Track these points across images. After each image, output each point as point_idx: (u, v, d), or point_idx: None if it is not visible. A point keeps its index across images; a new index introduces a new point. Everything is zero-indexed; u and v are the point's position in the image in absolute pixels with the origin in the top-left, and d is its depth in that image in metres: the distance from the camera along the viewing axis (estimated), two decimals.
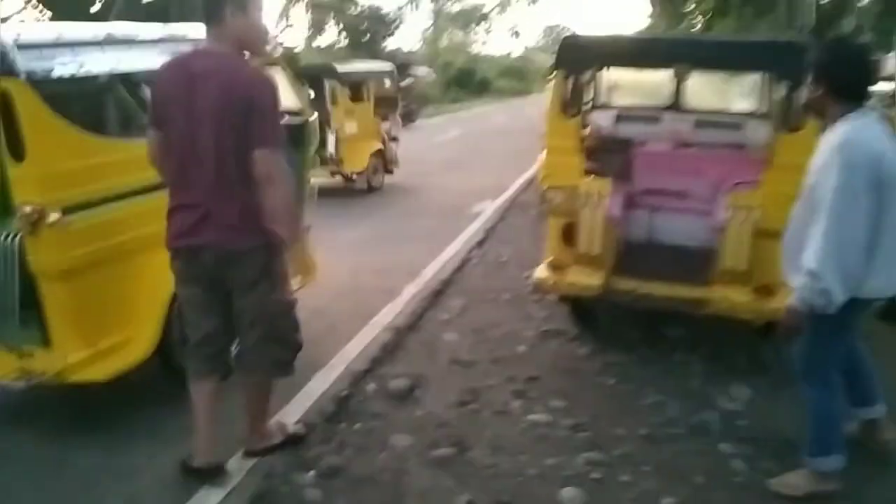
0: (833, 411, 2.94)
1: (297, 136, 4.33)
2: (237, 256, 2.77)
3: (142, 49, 3.50)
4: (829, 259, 2.58)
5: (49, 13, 21.19)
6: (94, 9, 22.43)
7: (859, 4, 26.76)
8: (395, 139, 11.10)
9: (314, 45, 40.45)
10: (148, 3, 22.42)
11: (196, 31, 4.00)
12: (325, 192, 6.35)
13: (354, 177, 10.07)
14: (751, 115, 5.25)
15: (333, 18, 41.51)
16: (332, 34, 43.48)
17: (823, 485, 2.96)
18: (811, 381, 2.95)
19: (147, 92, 3.98)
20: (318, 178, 8.49)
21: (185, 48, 3.50)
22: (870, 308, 2.95)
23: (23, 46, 2.85)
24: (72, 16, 20.21)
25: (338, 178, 9.91)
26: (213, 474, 2.93)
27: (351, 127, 9.93)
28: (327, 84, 9.76)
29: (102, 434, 3.32)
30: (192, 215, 2.75)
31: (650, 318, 4.69)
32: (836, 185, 2.57)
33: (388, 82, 11.75)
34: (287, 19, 39.42)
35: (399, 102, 12.05)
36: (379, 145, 10.56)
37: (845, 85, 2.71)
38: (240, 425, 3.15)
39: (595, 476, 3.07)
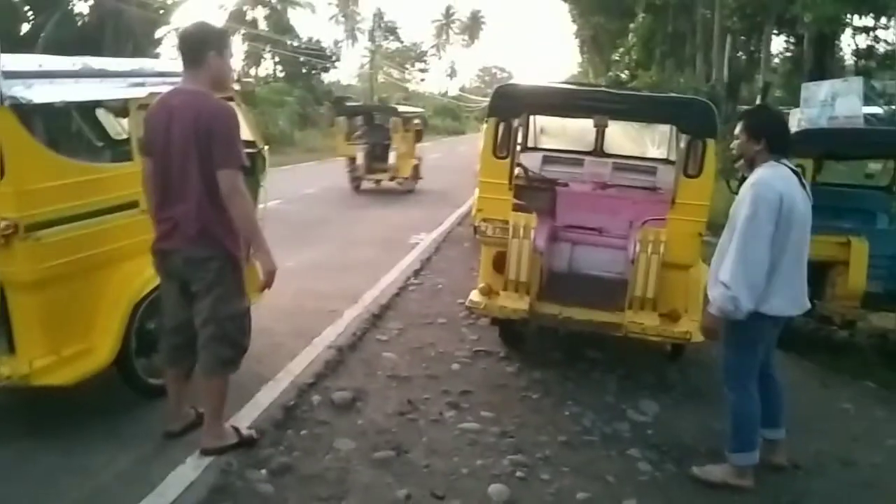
0: (751, 413, 3.42)
1: (250, 164, 4.64)
2: (197, 262, 3.22)
3: (111, 81, 3.77)
4: (737, 273, 3.17)
5: None
6: (23, 30, 22.03)
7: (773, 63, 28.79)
8: (420, 158, 15.95)
9: (250, 75, 40.46)
10: (81, 26, 22.21)
11: (160, 64, 4.34)
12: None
13: (402, 181, 15.00)
14: (660, 161, 5.86)
15: (269, 51, 41.69)
16: (268, 65, 43.63)
17: (740, 479, 3.44)
18: (731, 385, 3.47)
19: (111, 120, 4.30)
20: (381, 180, 14.78)
21: (151, 81, 3.86)
22: (776, 327, 3.46)
23: (7, 75, 3.10)
24: None
25: (394, 183, 14.96)
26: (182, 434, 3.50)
27: (402, 148, 14.88)
28: (392, 119, 15.45)
29: (61, 437, 3.49)
30: (167, 225, 3.26)
31: (571, 340, 5.16)
32: (746, 214, 3.18)
33: (418, 120, 17.01)
34: None
35: (423, 134, 17.26)
36: (416, 161, 15.55)
37: (778, 141, 3.34)
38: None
39: (519, 475, 3.45)
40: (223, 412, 3.47)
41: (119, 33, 21.87)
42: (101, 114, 4.47)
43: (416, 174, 15.47)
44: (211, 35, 3.23)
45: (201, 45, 3.15)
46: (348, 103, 19.48)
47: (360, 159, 14.66)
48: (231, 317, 3.29)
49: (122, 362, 3.67)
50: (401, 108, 17.19)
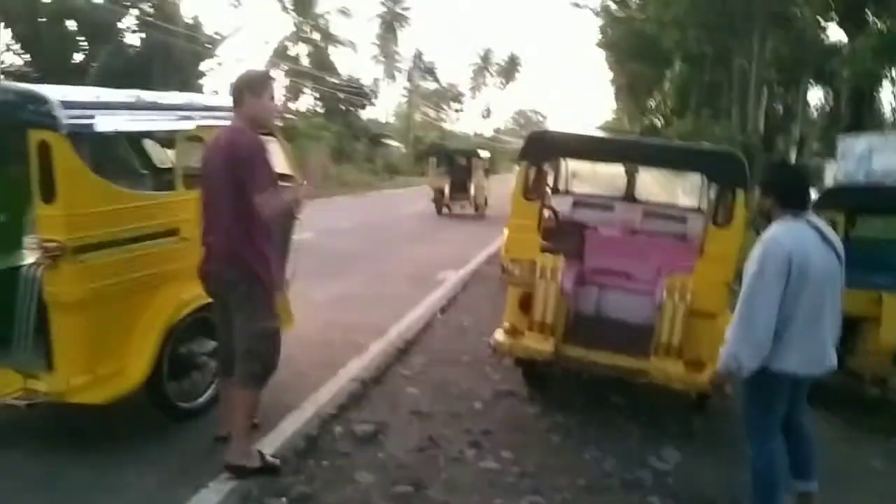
0: (772, 474, 3.33)
1: None
2: (229, 284, 3.50)
3: (161, 114, 3.96)
4: (739, 330, 3.17)
5: (28, 57, 21.54)
6: (76, 59, 22.95)
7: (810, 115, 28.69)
8: (489, 189, 20.56)
9: (290, 110, 41.44)
10: (131, 57, 23.08)
11: (208, 99, 4.53)
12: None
13: (478, 209, 19.57)
14: (691, 210, 5.89)
15: (310, 86, 42.67)
16: (308, 101, 44.62)
17: None
18: (751, 442, 3.42)
19: (157, 150, 4.49)
20: (463, 205, 19.59)
21: (199, 115, 4.04)
22: (798, 385, 3.39)
23: (65, 104, 3.29)
24: (52, 63, 20.65)
25: (469, 209, 19.58)
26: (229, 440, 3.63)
27: (478, 182, 19.86)
28: (473, 159, 20.94)
29: (92, 455, 3.60)
30: (206, 251, 3.60)
31: (595, 384, 5.15)
32: (753, 271, 3.17)
33: (487, 160, 21.71)
34: None
35: (490, 172, 21.95)
36: (486, 192, 20.15)
37: (789, 197, 3.30)
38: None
39: None
40: (250, 430, 3.64)
41: (167, 65, 22.68)
42: (148, 144, 4.66)
43: (486, 202, 20.12)
44: (248, 80, 3.58)
45: (241, 89, 3.50)
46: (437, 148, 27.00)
47: (447, 189, 19.46)
48: (262, 335, 3.50)
49: (153, 384, 3.77)
50: (481, 153, 22.54)
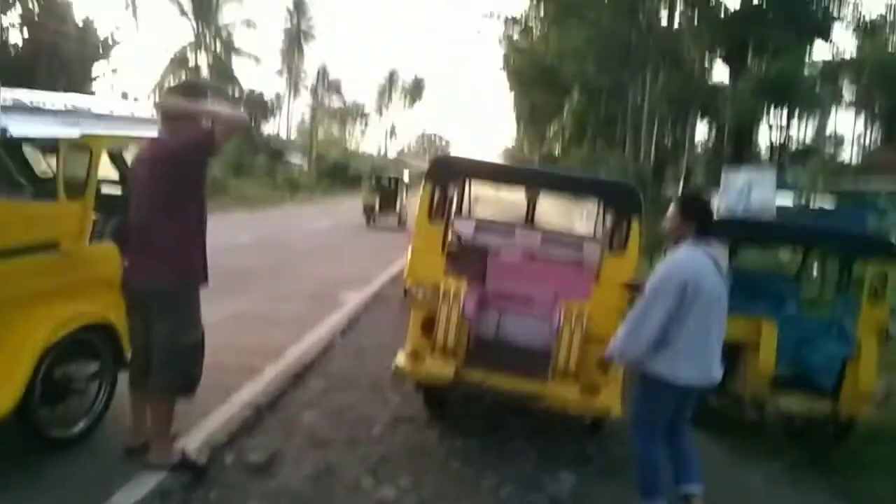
0: (654, 460, 3.76)
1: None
2: (157, 293, 3.54)
3: (44, 118, 3.67)
4: (628, 330, 3.69)
5: None
6: None
7: (697, 149, 30.48)
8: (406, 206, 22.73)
9: None
10: (14, 56, 21.61)
11: (98, 104, 4.27)
12: None
13: (401, 222, 22.17)
14: (587, 237, 6.06)
15: (210, 97, 41.38)
16: None
17: None
18: (637, 432, 3.84)
19: (37, 157, 4.17)
20: (387, 220, 23.27)
21: (86, 121, 3.80)
22: (686, 396, 3.77)
23: None
24: None
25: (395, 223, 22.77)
26: (142, 451, 3.69)
27: (402, 201, 23.69)
28: (398, 181, 25.18)
29: None
30: (135, 260, 3.65)
31: (494, 408, 5.17)
32: (654, 285, 3.64)
33: (407, 182, 25.38)
34: (161, 93, 39.03)
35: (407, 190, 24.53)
36: (407, 210, 22.10)
37: (704, 227, 3.76)
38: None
39: None
40: (169, 432, 3.72)
41: (53, 67, 21.37)
42: (27, 150, 4.33)
43: (406, 216, 22.24)
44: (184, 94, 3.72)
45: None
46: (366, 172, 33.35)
47: (377, 205, 23.41)
48: (184, 345, 3.57)
49: (24, 411, 3.45)
50: (405, 176, 26.15)
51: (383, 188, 24.57)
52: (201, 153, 3.57)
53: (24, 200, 3.95)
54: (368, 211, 23.50)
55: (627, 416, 3.91)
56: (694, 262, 3.63)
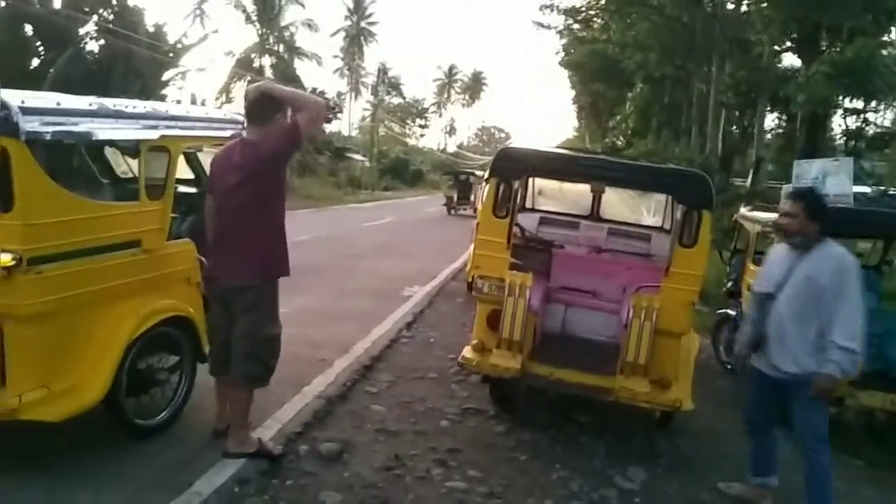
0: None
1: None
2: (241, 288, 3.69)
3: (125, 122, 3.84)
4: (857, 335, 3.51)
5: None
6: (33, 65, 22.35)
7: (766, 138, 29.48)
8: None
9: None
10: (91, 64, 22.56)
11: (173, 108, 4.44)
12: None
13: (476, 212, 27.07)
14: (656, 229, 5.96)
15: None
16: None
17: None
18: (821, 447, 3.73)
19: (119, 159, 4.37)
20: (464, 210, 26.52)
21: (164, 124, 3.96)
22: None
23: (25, 111, 3.17)
24: (7, 69, 20.05)
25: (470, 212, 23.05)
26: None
27: (477, 193, 23.56)
28: (471, 176, 27.93)
29: (46, 475, 3.44)
30: (219, 256, 3.80)
31: (561, 402, 5.14)
32: (853, 285, 3.56)
33: (481, 177, 24.49)
34: (227, 95, 40.18)
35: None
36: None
37: (827, 224, 3.71)
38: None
39: None
40: (247, 422, 3.90)
41: (128, 73, 22.20)
42: (110, 153, 4.54)
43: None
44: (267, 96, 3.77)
45: (261, 104, 3.69)
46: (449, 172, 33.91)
47: (455, 197, 27.20)
48: (264, 339, 3.73)
49: (111, 401, 3.64)
50: (476, 172, 28.49)
51: (460, 182, 28.20)
52: (292, 147, 3.78)
53: (108, 201, 4.13)
54: (449, 202, 27.48)
55: (807, 430, 3.75)
56: None
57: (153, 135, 3.92)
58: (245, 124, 3.84)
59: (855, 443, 5.23)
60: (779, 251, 3.96)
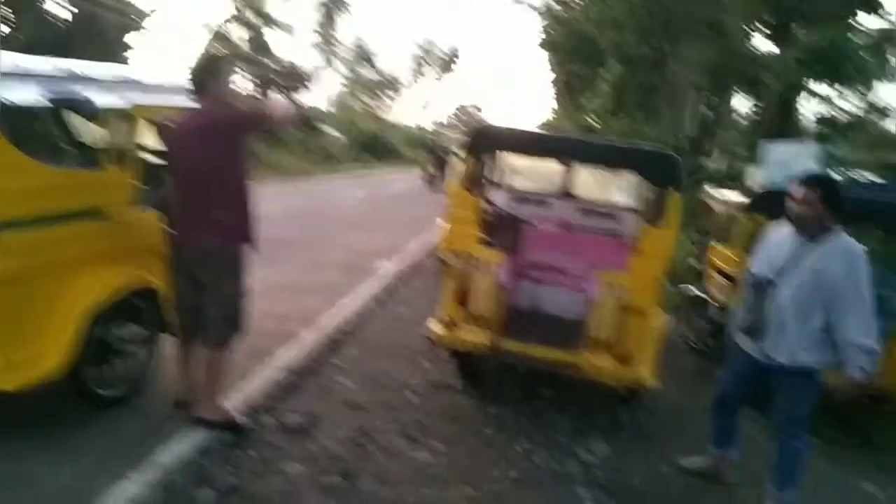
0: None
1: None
2: (210, 252, 3.72)
3: (91, 86, 3.74)
4: (872, 331, 3.42)
5: None
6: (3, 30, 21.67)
7: (737, 121, 29.77)
8: None
9: None
10: (55, 28, 21.93)
11: (142, 75, 4.35)
12: None
13: None
14: (624, 207, 6.01)
15: (246, 69, 41.50)
16: (245, 84, 43.38)
17: None
18: (799, 432, 3.77)
19: (83, 126, 4.27)
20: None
21: (131, 89, 3.87)
22: None
23: None
24: None
25: None
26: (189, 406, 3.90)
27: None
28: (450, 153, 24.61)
29: (3, 444, 3.39)
30: (187, 222, 3.77)
31: (528, 378, 5.20)
32: (864, 279, 3.44)
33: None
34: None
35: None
36: None
37: (841, 212, 3.56)
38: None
39: None
40: (220, 389, 3.91)
41: (95, 38, 21.63)
42: (74, 119, 4.43)
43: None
44: (210, 66, 3.81)
45: (203, 76, 3.69)
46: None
47: (436, 173, 26.54)
48: (234, 299, 3.80)
49: (73, 371, 3.58)
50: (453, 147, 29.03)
51: (440, 159, 28.33)
52: (255, 125, 3.81)
53: (70, 168, 4.04)
54: (430, 179, 27.85)
55: (789, 419, 3.76)
56: None
57: (118, 101, 3.83)
58: (197, 94, 3.74)
59: (814, 421, 5.37)
60: (781, 235, 3.77)
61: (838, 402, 3.61)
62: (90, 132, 4.43)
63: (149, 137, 4.70)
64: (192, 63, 3.81)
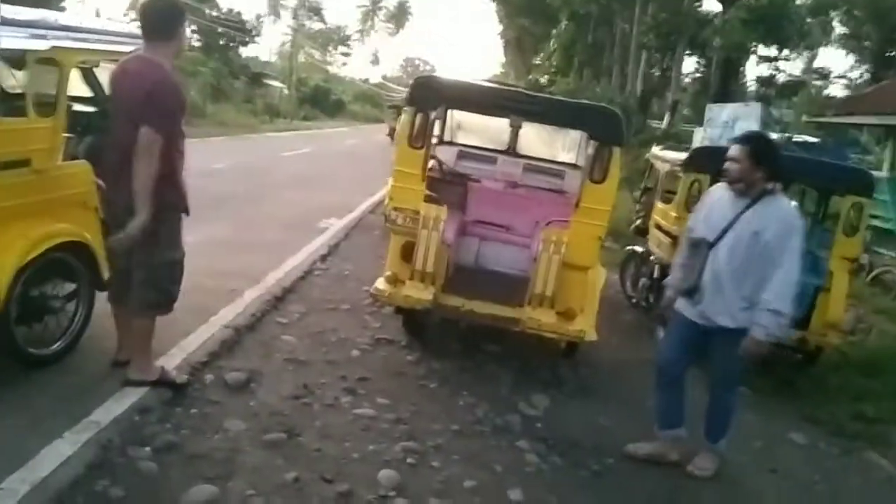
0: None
1: None
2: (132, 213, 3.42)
3: (10, 30, 3.52)
4: (789, 293, 3.48)
5: None
6: None
7: (684, 82, 30.19)
8: None
9: None
10: None
11: (66, 17, 4.11)
12: None
13: None
14: (570, 165, 6.04)
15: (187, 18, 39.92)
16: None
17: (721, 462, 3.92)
18: (734, 389, 3.90)
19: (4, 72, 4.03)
20: None
21: (54, 34, 3.66)
22: None
23: None
24: None
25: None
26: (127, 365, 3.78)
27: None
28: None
29: None
30: (113, 179, 3.59)
31: (471, 333, 5.26)
32: (794, 246, 3.47)
33: None
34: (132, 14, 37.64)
35: None
36: None
37: (777, 170, 3.60)
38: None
39: (410, 461, 3.50)
40: (150, 350, 3.77)
41: None
42: None
43: None
44: (172, 10, 3.58)
45: (166, 19, 3.51)
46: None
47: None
48: (162, 265, 3.60)
49: (1, 330, 3.45)
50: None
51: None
52: (156, 116, 3.39)
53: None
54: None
55: (724, 374, 3.82)
56: None
57: (42, 45, 3.62)
58: (144, 39, 3.54)
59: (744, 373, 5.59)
60: (720, 195, 3.75)
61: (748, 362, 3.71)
62: (13, 78, 4.20)
63: (79, 84, 4.49)
64: (145, 5, 3.55)
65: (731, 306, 3.59)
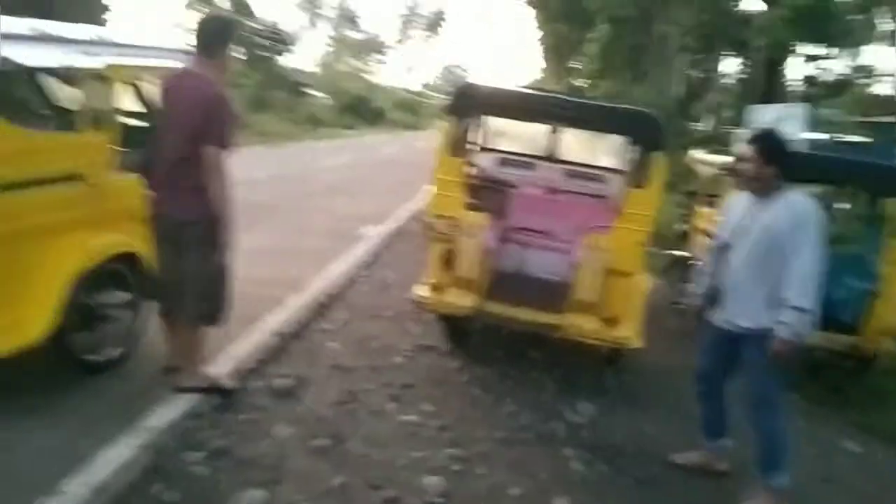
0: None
1: None
2: (188, 224, 3.61)
3: (67, 48, 3.66)
4: (813, 293, 3.29)
5: None
6: None
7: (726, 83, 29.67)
8: None
9: None
10: None
11: (120, 35, 4.25)
12: None
13: None
14: (610, 170, 6.00)
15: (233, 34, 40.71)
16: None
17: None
18: (773, 412, 3.55)
19: (60, 88, 4.18)
20: None
21: (108, 51, 3.79)
22: None
23: None
24: None
25: None
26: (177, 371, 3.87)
27: None
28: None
29: None
30: (164, 191, 3.70)
31: (514, 340, 5.25)
32: (815, 240, 3.32)
33: None
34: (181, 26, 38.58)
35: None
36: None
37: (788, 167, 3.50)
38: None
39: (455, 468, 3.52)
40: (201, 359, 3.90)
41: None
42: (52, 81, 4.34)
43: None
44: (224, 28, 3.77)
45: (217, 37, 3.66)
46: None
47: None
48: (213, 276, 3.69)
49: (58, 337, 3.57)
50: None
51: None
52: (213, 131, 3.54)
53: (47, 131, 3.97)
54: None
55: (759, 391, 3.56)
56: None
57: (96, 62, 3.76)
58: (195, 55, 3.64)
59: (794, 379, 5.47)
60: (740, 199, 3.71)
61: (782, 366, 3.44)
62: (66, 95, 4.35)
63: (128, 99, 4.63)
64: (200, 23, 3.69)
65: (752, 305, 3.48)
